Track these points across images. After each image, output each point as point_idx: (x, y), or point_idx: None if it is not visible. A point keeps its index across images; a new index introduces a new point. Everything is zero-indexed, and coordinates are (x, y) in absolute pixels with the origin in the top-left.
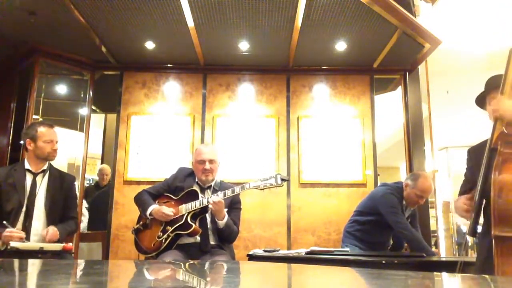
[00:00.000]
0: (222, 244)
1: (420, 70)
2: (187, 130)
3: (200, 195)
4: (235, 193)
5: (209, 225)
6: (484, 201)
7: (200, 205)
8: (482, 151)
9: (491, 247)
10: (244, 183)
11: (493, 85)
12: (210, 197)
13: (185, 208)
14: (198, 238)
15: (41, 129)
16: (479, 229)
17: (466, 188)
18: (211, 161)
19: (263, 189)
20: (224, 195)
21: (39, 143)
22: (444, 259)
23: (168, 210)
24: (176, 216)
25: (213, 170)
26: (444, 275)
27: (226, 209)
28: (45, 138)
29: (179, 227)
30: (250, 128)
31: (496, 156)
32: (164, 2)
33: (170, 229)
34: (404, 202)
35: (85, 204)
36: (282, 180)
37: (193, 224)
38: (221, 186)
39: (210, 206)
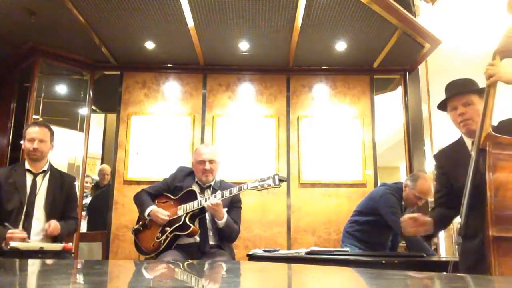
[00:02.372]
0: (222, 244)
1: (420, 70)
2: (187, 130)
3: (198, 195)
4: (233, 194)
5: (208, 225)
6: (471, 202)
7: (198, 206)
8: (453, 154)
9: (480, 249)
10: (243, 183)
11: (453, 91)
12: (208, 199)
13: (184, 209)
14: (197, 238)
15: (27, 129)
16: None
17: (443, 193)
18: (211, 162)
19: (260, 190)
20: (222, 196)
21: (25, 142)
22: (444, 259)
23: (164, 215)
24: (175, 217)
25: (213, 170)
26: (444, 275)
27: (226, 209)
28: (28, 136)
29: (177, 228)
30: (250, 128)
31: (487, 156)
32: (164, 2)
33: (168, 229)
34: (403, 203)
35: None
36: (280, 180)
37: (192, 225)
38: (221, 186)
39: (206, 206)
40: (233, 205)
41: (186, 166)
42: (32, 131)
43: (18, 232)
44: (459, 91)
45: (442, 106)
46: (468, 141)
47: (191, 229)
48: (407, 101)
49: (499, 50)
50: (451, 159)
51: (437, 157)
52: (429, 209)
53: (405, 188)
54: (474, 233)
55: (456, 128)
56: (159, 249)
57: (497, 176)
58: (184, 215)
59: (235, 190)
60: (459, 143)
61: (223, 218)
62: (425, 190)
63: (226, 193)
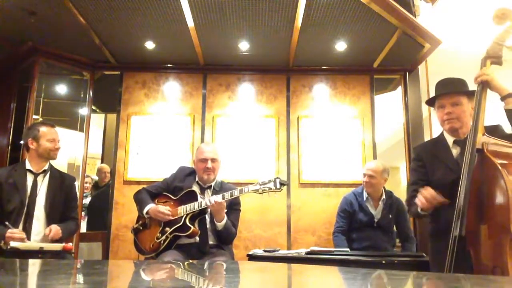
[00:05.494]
0: (222, 244)
1: (420, 70)
2: (187, 130)
3: (199, 196)
4: (234, 196)
5: (208, 226)
6: (462, 200)
7: (198, 207)
8: (433, 149)
9: (465, 249)
10: (244, 183)
11: (443, 90)
12: (211, 197)
13: (184, 210)
14: (197, 238)
15: (43, 129)
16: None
17: (420, 186)
18: (213, 160)
19: (261, 193)
20: (223, 198)
21: (42, 142)
22: None
23: (164, 209)
24: (175, 217)
25: (214, 169)
26: (444, 275)
27: (225, 210)
28: (47, 137)
29: (177, 228)
30: (250, 128)
31: (490, 156)
32: (164, 2)
33: (168, 230)
34: (367, 197)
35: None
36: (281, 184)
37: (192, 226)
38: (222, 187)
39: (209, 204)
40: (233, 207)
41: (187, 166)
42: (52, 132)
43: (18, 232)
44: (449, 91)
45: (431, 102)
46: (449, 139)
47: (191, 230)
48: (407, 101)
49: (489, 55)
50: (431, 153)
51: (417, 150)
52: (406, 202)
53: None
54: (448, 230)
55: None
56: (158, 250)
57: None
58: (184, 216)
59: (236, 193)
60: (440, 139)
61: (223, 220)
62: (366, 166)
63: (227, 195)
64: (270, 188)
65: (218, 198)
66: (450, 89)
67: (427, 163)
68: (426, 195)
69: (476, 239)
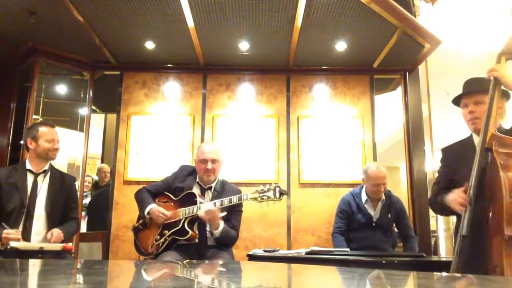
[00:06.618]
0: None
1: (420, 70)
2: (187, 130)
3: (198, 198)
4: (232, 203)
5: (208, 228)
6: (474, 200)
7: (197, 211)
8: (460, 149)
9: (479, 248)
10: (244, 183)
11: (467, 89)
12: (202, 205)
13: (183, 213)
14: (196, 240)
15: (43, 129)
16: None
17: (443, 185)
18: (213, 161)
19: (260, 201)
20: (221, 204)
21: (41, 142)
22: (444, 259)
23: (162, 213)
24: (174, 220)
25: (215, 170)
26: (444, 275)
27: (225, 213)
28: (46, 137)
29: (176, 232)
30: (250, 128)
31: (495, 156)
32: (164, 2)
33: (167, 233)
34: (366, 198)
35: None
36: (281, 194)
37: (190, 231)
38: (223, 187)
39: (200, 215)
40: (234, 208)
41: (188, 165)
42: (52, 132)
43: (12, 232)
44: (470, 90)
45: (456, 101)
46: (476, 139)
47: (189, 235)
48: (407, 101)
49: (504, 51)
50: (457, 154)
51: (444, 150)
52: (429, 200)
53: (364, 184)
54: (477, 230)
55: (458, 128)
56: (157, 252)
57: (510, 176)
58: (183, 219)
59: (234, 199)
60: (468, 139)
61: (219, 227)
62: (374, 176)
63: (226, 201)
64: (269, 197)
65: (209, 205)
66: (473, 88)
67: (451, 164)
68: (459, 201)
69: (488, 236)
